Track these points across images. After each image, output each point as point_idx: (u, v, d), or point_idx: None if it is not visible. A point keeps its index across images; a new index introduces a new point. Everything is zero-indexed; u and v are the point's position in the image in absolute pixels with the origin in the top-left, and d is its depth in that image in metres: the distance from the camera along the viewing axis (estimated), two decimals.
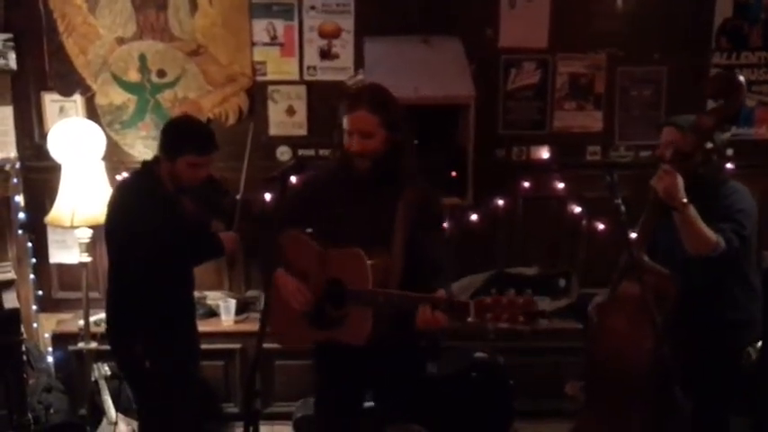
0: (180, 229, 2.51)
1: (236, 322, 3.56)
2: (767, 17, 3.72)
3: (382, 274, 2.18)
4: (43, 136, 3.57)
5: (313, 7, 3.64)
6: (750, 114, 3.73)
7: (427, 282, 2.16)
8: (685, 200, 2.31)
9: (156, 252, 2.43)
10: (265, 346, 2.09)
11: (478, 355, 3.33)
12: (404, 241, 2.23)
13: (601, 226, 3.66)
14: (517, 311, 2.06)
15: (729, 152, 2.45)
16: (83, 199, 3.26)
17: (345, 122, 2.26)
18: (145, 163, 2.65)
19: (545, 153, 3.74)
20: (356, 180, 2.29)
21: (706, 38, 3.72)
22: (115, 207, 2.57)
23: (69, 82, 3.64)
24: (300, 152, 3.70)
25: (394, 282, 2.19)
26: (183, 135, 2.54)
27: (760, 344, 2.55)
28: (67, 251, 3.59)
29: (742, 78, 2.39)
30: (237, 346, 3.50)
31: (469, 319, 2.05)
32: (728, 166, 2.93)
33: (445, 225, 2.48)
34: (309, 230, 2.37)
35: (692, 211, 2.31)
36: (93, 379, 3.27)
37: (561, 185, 3.70)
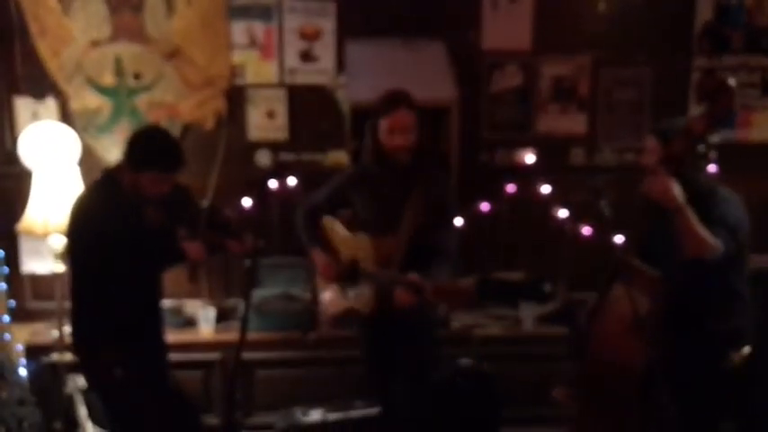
0: (142, 236, 2.46)
1: (216, 331, 3.48)
2: (748, 21, 3.73)
3: (385, 257, 2.57)
4: (14, 141, 3.48)
5: (293, 9, 3.58)
6: (732, 117, 3.73)
7: (428, 266, 2.50)
8: (682, 202, 2.28)
9: (117, 260, 2.38)
10: (246, 355, 2.02)
11: (464, 362, 3.29)
12: (413, 229, 2.55)
13: (586, 229, 3.63)
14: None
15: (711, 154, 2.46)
16: (56, 206, 3.18)
17: (385, 122, 2.58)
18: (107, 170, 2.60)
19: (529, 156, 3.71)
20: (398, 173, 2.61)
21: (688, 41, 3.72)
22: (77, 215, 2.51)
23: (42, 85, 3.55)
24: (281, 155, 3.65)
25: (395, 263, 2.54)
26: (150, 150, 2.48)
27: (747, 349, 2.53)
28: (41, 260, 3.49)
29: (732, 81, 2.37)
30: (217, 355, 3.42)
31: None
32: (711, 168, 2.92)
33: (457, 217, 2.79)
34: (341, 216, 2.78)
35: (690, 213, 2.29)
36: (67, 391, 3.18)
37: (546, 189, 3.67)
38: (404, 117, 2.57)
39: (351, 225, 2.70)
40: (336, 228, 2.76)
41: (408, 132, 2.57)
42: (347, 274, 2.69)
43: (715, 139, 2.41)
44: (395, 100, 2.59)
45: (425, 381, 2.76)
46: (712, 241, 2.30)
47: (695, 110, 2.45)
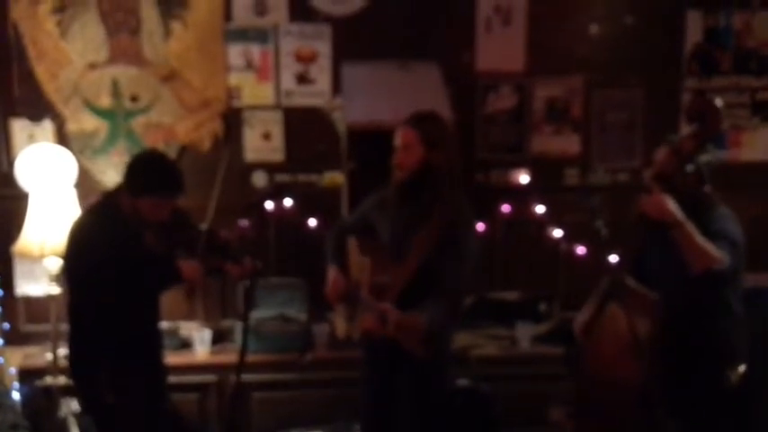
0: (141, 260, 2.46)
1: (212, 353, 3.46)
2: (737, 42, 3.80)
3: (380, 286, 2.48)
4: (11, 163, 3.47)
5: (289, 32, 3.62)
6: (722, 137, 3.78)
7: (424, 300, 2.38)
8: (681, 217, 2.30)
9: (116, 283, 2.37)
10: (242, 377, 2.02)
11: (462, 382, 3.28)
12: (419, 260, 2.43)
13: (581, 249, 3.65)
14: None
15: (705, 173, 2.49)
16: (52, 228, 3.17)
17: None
18: (106, 194, 2.60)
19: (524, 176, 3.73)
20: (393, 193, 2.55)
21: (678, 62, 3.78)
22: (76, 239, 2.51)
23: (38, 108, 3.55)
24: (277, 177, 3.66)
25: (391, 295, 2.43)
26: (149, 176, 2.49)
27: (742, 367, 2.55)
28: (35, 282, 3.46)
29: (719, 102, 2.41)
30: (213, 378, 3.39)
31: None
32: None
33: (471, 259, 2.51)
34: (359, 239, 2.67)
35: (691, 227, 2.30)
36: (61, 415, 3.14)
37: (541, 209, 3.70)
38: (403, 133, 2.50)
39: (363, 248, 2.60)
40: (352, 250, 2.68)
41: (402, 150, 2.49)
42: (347, 297, 2.63)
43: (705, 158, 2.44)
44: (407, 117, 2.53)
45: (429, 412, 2.61)
46: (717, 253, 2.30)
47: (686, 130, 2.49)
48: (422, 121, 2.50)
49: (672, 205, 2.32)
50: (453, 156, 2.51)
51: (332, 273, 2.64)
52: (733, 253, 2.36)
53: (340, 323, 2.71)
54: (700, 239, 2.31)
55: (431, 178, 2.46)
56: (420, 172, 2.46)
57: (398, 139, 2.51)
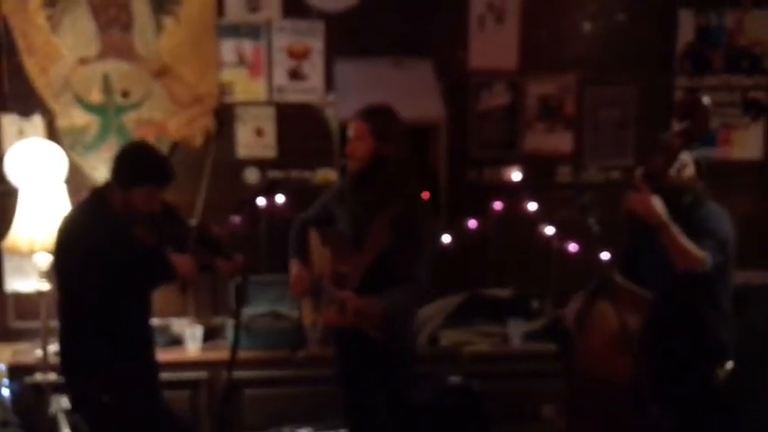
0: (131, 256, 2.44)
1: (203, 350, 3.44)
2: (729, 41, 3.82)
3: (342, 275, 2.57)
4: (0, 158, 3.44)
5: (282, 28, 3.61)
6: (712, 135, 3.79)
7: (384, 289, 2.47)
8: (665, 218, 2.31)
9: (108, 279, 2.35)
10: (234, 374, 2.01)
11: (453, 380, 3.28)
12: (376, 250, 2.51)
13: (573, 246, 3.66)
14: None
15: (690, 171, 2.50)
16: (42, 224, 3.14)
17: None
18: (95, 189, 2.58)
19: (516, 174, 3.74)
20: (348, 183, 2.67)
21: (670, 61, 3.79)
22: (66, 235, 2.48)
23: (29, 103, 3.53)
24: (270, 173, 3.64)
25: (352, 284, 2.52)
26: (139, 166, 2.47)
27: (730, 364, 2.56)
28: (25, 278, 3.44)
29: (707, 100, 2.42)
30: (204, 374, 3.38)
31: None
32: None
33: (428, 245, 2.64)
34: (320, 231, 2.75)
35: (675, 228, 2.32)
36: (51, 412, 3.13)
37: (533, 206, 3.70)
38: (355, 125, 2.61)
39: (324, 239, 2.68)
40: (314, 241, 2.76)
41: (354, 141, 2.59)
42: (312, 289, 2.68)
43: (693, 155, 2.46)
44: (359, 111, 2.64)
45: (404, 402, 2.71)
46: (700, 254, 2.33)
47: (676, 128, 2.50)
48: (372, 114, 2.61)
49: (658, 206, 2.33)
50: (403, 148, 2.60)
51: (294, 266, 2.71)
52: (719, 252, 2.37)
53: (307, 311, 2.77)
54: (683, 241, 2.33)
55: (382, 169, 2.55)
56: (370, 162, 2.56)
57: (351, 131, 2.62)
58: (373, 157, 2.55)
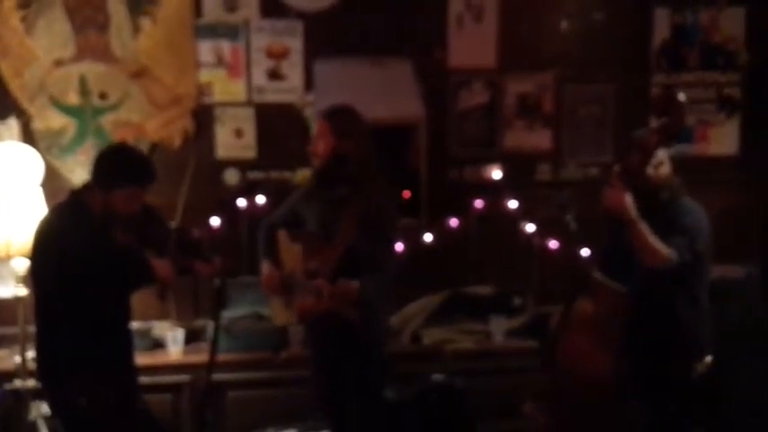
0: (110, 259, 2.42)
1: (185, 353, 3.42)
2: (704, 38, 3.86)
3: (312, 271, 2.63)
4: None
5: (260, 28, 3.59)
6: (689, 131, 3.84)
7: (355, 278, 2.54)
8: (634, 215, 2.34)
9: (84, 283, 2.33)
10: (216, 376, 2.00)
11: (436, 377, 3.29)
12: (345, 243, 2.58)
13: (554, 243, 3.68)
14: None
15: (666, 169, 2.53)
16: (19, 228, 3.10)
17: None
18: (73, 192, 2.56)
19: (496, 172, 3.75)
20: (313, 181, 2.77)
21: (647, 58, 3.83)
22: (43, 238, 2.46)
23: (4, 106, 3.48)
24: (249, 174, 3.63)
25: (323, 277, 2.59)
26: (121, 166, 2.46)
27: (708, 358, 2.59)
28: (2, 284, 3.39)
29: (682, 96, 2.44)
30: (186, 378, 3.36)
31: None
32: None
33: (395, 239, 2.78)
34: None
35: (643, 226, 2.34)
36: (31, 418, 3.09)
37: (514, 204, 3.72)
38: (318, 124, 2.75)
39: (293, 237, 2.73)
40: (282, 239, 2.79)
41: (317, 139, 2.71)
42: (282, 287, 2.72)
43: (669, 152, 2.48)
44: (322, 111, 2.77)
45: (377, 398, 2.75)
46: (665, 252, 2.36)
47: (653, 125, 2.52)
48: (333, 113, 2.71)
49: (628, 202, 2.35)
50: (365, 146, 2.67)
51: (265, 267, 2.78)
52: (688, 249, 2.40)
53: (279, 311, 2.81)
54: (650, 239, 2.36)
55: (343, 166, 2.64)
56: (332, 160, 2.64)
57: (314, 130, 2.73)
58: (334, 154, 2.63)
